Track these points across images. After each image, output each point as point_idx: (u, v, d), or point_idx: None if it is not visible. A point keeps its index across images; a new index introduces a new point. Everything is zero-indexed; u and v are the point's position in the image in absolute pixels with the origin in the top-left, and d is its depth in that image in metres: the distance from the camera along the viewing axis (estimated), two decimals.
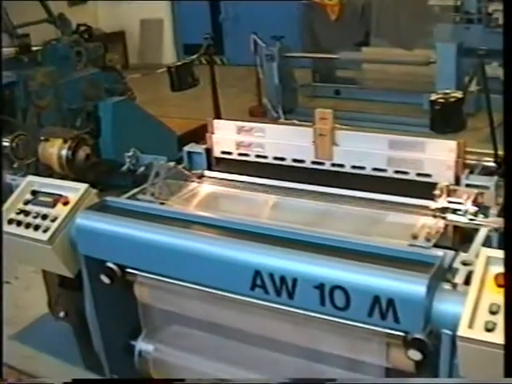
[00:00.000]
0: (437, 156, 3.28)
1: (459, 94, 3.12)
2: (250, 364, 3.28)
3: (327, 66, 11.40)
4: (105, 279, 3.27)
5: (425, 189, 3.21)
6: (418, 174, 3.34)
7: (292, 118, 8.91)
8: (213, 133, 3.86)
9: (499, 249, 2.88)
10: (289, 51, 10.24)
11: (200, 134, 3.91)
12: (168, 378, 3.32)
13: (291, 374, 3.16)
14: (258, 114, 10.27)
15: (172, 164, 3.68)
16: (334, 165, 3.53)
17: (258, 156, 3.72)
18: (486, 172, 3.37)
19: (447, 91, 3.18)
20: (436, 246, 2.88)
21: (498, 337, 2.31)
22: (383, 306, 2.52)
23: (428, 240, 2.86)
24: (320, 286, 2.61)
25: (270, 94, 10.19)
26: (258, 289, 2.76)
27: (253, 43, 10.18)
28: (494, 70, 10.01)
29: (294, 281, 2.67)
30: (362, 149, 3.45)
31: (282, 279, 2.69)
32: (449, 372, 2.63)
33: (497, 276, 2.43)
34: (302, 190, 3.54)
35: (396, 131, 5.45)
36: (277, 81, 9.98)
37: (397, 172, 3.39)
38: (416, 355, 2.58)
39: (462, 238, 3.07)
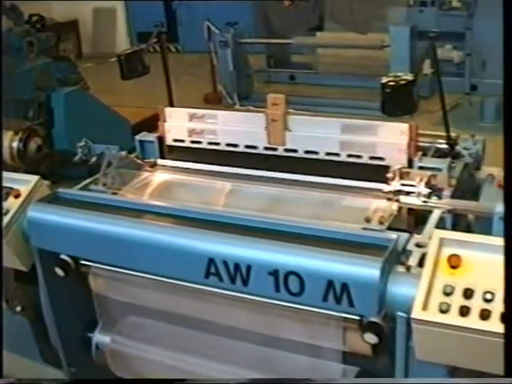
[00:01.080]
0: (389, 139, 3.28)
1: (410, 77, 3.11)
2: (208, 353, 3.27)
3: (282, 51, 11.41)
4: (59, 272, 3.23)
5: (378, 172, 3.22)
6: (371, 158, 3.34)
7: (247, 104, 8.91)
8: (165, 121, 3.83)
9: (453, 230, 2.90)
10: (243, 37, 10.23)
11: (154, 122, 3.87)
12: (169, 378, 3.28)
13: (250, 361, 3.16)
14: (213, 100, 10.25)
15: (124, 153, 3.64)
16: (286, 150, 3.51)
17: (210, 143, 3.70)
18: (440, 154, 3.39)
19: (398, 74, 3.18)
20: (391, 228, 2.89)
21: (452, 318, 2.32)
22: (337, 291, 2.52)
23: (381, 223, 2.87)
24: (274, 272, 2.60)
25: (225, 80, 10.17)
26: (213, 276, 2.75)
27: (206, 30, 10.14)
28: (448, 52, 10.12)
29: (248, 268, 2.66)
30: (315, 133, 3.44)
31: (236, 266, 2.68)
32: (405, 354, 2.64)
33: (450, 257, 2.44)
34: (256, 176, 3.52)
35: (352, 115, 5.47)
36: (231, 67, 9.96)
37: (350, 156, 3.38)
38: (372, 338, 2.59)
39: (416, 220, 3.08)
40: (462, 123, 8.13)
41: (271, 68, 11.44)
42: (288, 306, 2.70)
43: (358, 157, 3.36)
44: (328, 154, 3.42)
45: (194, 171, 3.67)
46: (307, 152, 3.47)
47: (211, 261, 2.73)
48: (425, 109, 8.14)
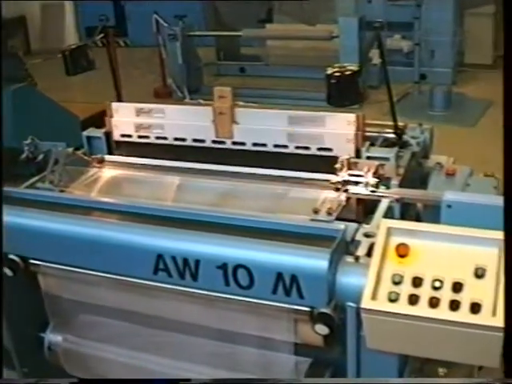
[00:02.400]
0: (336, 130, 3.29)
1: (355, 67, 3.13)
2: (162, 349, 3.25)
3: (231, 43, 11.39)
4: (7, 272, 3.18)
5: (326, 163, 3.21)
6: (319, 149, 3.34)
7: (197, 97, 8.90)
8: (111, 116, 3.78)
9: (402, 219, 2.92)
10: (192, 30, 10.20)
11: (104, 117, 3.83)
12: (170, 378, 3.25)
13: (205, 356, 3.15)
14: (163, 94, 10.21)
15: (70, 150, 3.60)
16: (234, 143, 3.50)
17: (158, 138, 3.66)
18: (388, 144, 3.40)
19: (344, 65, 3.19)
20: (339, 219, 2.89)
21: (402, 307, 2.34)
22: (287, 283, 2.53)
23: (329, 214, 2.87)
24: (223, 266, 2.60)
25: (175, 74, 10.13)
26: (161, 272, 2.74)
27: (155, 23, 10.09)
28: (397, 42, 10.20)
29: (197, 262, 2.65)
30: (263, 126, 3.44)
31: (185, 261, 2.67)
32: (356, 344, 2.65)
33: (398, 246, 2.45)
34: (205, 170, 3.51)
35: (301, 106, 5.48)
36: (180, 60, 9.93)
37: (298, 147, 3.38)
38: (323, 329, 2.59)
39: (365, 210, 3.09)
40: (411, 112, 8.23)
41: (221, 61, 11.43)
42: (238, 300, 2.69)
43: (306, 148, 3.36)
44: (276, 146, 3.42)
45: (142, 166, 3.63)
46: (255, 144, 3.46)
47: (159, 257, 2.71)
48: (374, 98, 8.23)
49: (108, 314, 3.32)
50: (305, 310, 2.61)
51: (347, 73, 3.10)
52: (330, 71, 3.12)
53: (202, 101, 4.58)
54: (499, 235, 2.40)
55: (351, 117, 3.24)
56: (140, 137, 3.71)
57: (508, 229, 2.26)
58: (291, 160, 3.38)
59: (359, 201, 3.08)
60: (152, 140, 3.68)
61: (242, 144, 3.49)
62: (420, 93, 9.61)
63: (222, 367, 3.13)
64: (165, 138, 3.65)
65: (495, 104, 8.92)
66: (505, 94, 2.44)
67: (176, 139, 3.63)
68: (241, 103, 3.51)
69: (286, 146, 3.40)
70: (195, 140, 3.58)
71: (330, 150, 3.31)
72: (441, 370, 2.88)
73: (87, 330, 3.46)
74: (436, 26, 9.77)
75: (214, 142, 3.54)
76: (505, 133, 2.43)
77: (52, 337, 3.56)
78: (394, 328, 2.39)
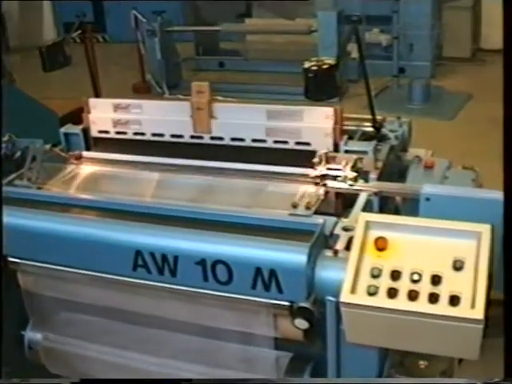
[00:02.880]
0: (314, 124, 3.28)
1: (332, 61, 3.12)
2: (144, 346, 3.24)
3: (210, 38, 11.37)
4: None
5: (305, 157, 3.21)
6: (297, 143, 3.34)
7: (176, 92, 8.86)
8: (89, 112, 3.76)
9: (380, 213, 2.92)
10: (170, 25, 10.16)
11: (82, 114, 3.81)
12: (171, 379, 3.22)
13: (186, 352, 3.14)
14: (142, 90, 10.17)
15: (48, 147, 3.58)
16: (213, 138, 3.49)
17: (135, 133, 3.65)
18: (366, 137, 3.40)
19: (321, 58, 3.18)
20: (318, 213, 2.89)
21: (381, 300, 2.34)
22: (266, 278, 2.53)
23: (308, 208, 2.86)
24: (201, 262, 2.60)
25: (153, 69, 10.10)
26: (141, 269, 2.73)
27: (133, 19, 10.05)
28: (376, 35, 10.21)
29: (176, 258, 2.65)
30: (241, 120, 3.43)
31: (164, 257, 2.66)
32: (336, 338, 2.66)
33: (376, 240, 2.46)
34: (183, 165, 3.49)
35: (281, 101, 5.47)
36: (159, 56, 9.90)
37: (276, 142, 3.37)
38: (303, 324, 2.59)
39: (344, 204, 3.09)
40: (390, 105, 8.24)
41: (200, 56, 11.39)
42: (218, 295, 2.68)
43: (284, 142, 3.36)
44: (254, 140, 3.41)
45: (120, 162, 3.61)
46: (233, 139, 3.45)
47: (138, 253, 2.70)
48: (353, 92, 8.25)
49: (88, 312, 3.30)
50: (284, 305, 2.60)
51: (324, 67, 3.10)
52: (307, 65, 3.12)
53: (181, 96, 4.55)
54: (477, 227, 2.42)
55: (329, 111, 3.24)
56: (118, 133, 3.69)
57: (508, 228, 2.27)
58: (269, 154, 3.37)
59: (338, 195, 3.08)
60: (130, 136, 3.66)
61: (221, 139, 3.48)
62: (399, 86, 9.62)
63: (203, 363, 3.12)
64: (143, 134, 3.63)
65: (474, 97, 8.95)
66: (505, 94, 2.45)
67: (154, 135, 3.61)
68: (220, 98, 3.50)
69: (264, 141, 3.39)
70: (173, 135, 3.57)
71: (308, 144, 3.30)
72: (421, 363, 2.90)
73: (68, 328, 3.44)
74: (414, 20, 9.78)
75: (192, 137, 3.53)
76: (504, 133, 2.44)
77: (32, 335, 3.54)
78: (373, 321, 2.39)
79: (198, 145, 3.52)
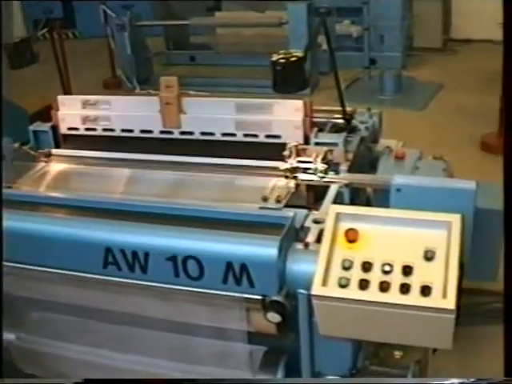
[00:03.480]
0: (284, 117, 3.28)
1: (300, 53, 3.12)
2: (118, 344, 3.22)
3: (180, 32, 11.30)
4: None
5: (275, 150, 3.20)
6: (267, 136, 3.33)
7: (147, 87, 8.81)
8: (58, 109, 3.74)
9: (352, 204, 2.92)
10: (140, 20, 10.08)
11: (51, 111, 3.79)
12: (172, 379, 3.20)
13: (161, 348, 3.13)
14: (113, 85, 10.10)
15: (17, 145, 3.55)
16: (182, 133, 3.48)
17: (105, 129, 3.63)
18: (336, 129, 3.40)
19: (290, 51, 3.18)
20: (290, 206, 2.88)
21: (352, 292, 2.34)
22: (237, 272, 2.52)
23: (278, 201, 2.86)
24: (172, 258, 2.59)
25: (124, 64, 10.02)
26: (111, 266, 2.72)
27: (103, 14, 9.98)
28: (347, 27, 10.20)
29: (146, 255, 2.63)
30: (210, 115, 3.42)
31: (134, 254, 2.65)
32: (309, 331, 2.66)
33: (347, 232, 2.45)
34: (154, 161, 3.48)
35: (252, 94, 5.46)
36: (129, 51, 9.81)
37: (246, 135, 3.38)
38: (275, 317, 2.59)
39: (316, 196, 3.09)
40: (361, 97, 8.24)
41: (170, 50, 11.33)
42: (189, 291, 2.67)
43: (254, 136, 3.36)
44: (224, 134, 3.41)
45: (89, 159, 3.59)
46: (203, 134, 3.45)
47: (108, 250, 2.69)
48: (324, 84, 8.24)
49: (61, 311, 3.28)
50: (256, 299, 2.60)
51: (292, 59, 3.09)
52: (275, 58, 3.11)
53: (151, 91, 4.53)
54: (447, 217, 2.42)
55: (299, 103, 3.24)
56: (87, 129, 3.68)
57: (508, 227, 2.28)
58: (240, 148, 3.37)
59: (309, 187, 3.08)
60: (99, 132, 3.65)
61: (190, 133, 3.47)
62: (370, 78, 9.61)
63: (178, 359, 3.11)
64: (112, 130, 3.62)
65: (445, 87, 8.98)
66: (505, 96, 2.45)
67: (123, 131, 3.60)
68: (191, 92, 3.49)
69: (234, 135, 3.39)
70: (143, 131, 3.56)
71: (278, 137, 3.30)
72: (397, 353, 2.91)
73: (40, 328, 3.42)
74: (385, 11, 9.78)
75: (161, 132, 3.52)
76: (505, 134, 2.44)
77: (4, 335, 3.50)
78: (345, 313, 2.39)
79: (168, 140, 3.51)
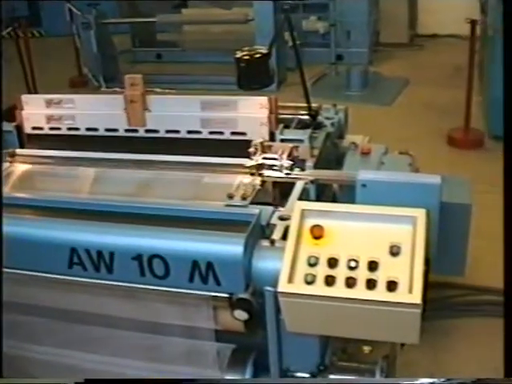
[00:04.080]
0: (250, 114, 3.28)
1: (264, 50, 3.12)
2: (87, 344, 3.19)
3: (146, 30, 11.26)
4: None
5: (242, 147, 3.19)
6: (233, 133, 3.33)
7: (114, 85, 8.73)
8: (22, 109, 3.71)
9: (318, 201, 2.92)
10: (106, 18, 10.03)
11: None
12: (173, 378, 3.17)
13: (129, 348, 3.11)
14: (79, 84, 10.04)
15: None
16: (147, 131, 3.47)
17: (69, 129, 3.61)
18: (302, 125, 3.41)
19: (254, 47, 3.18)
20: (257, 203, 2.88)
21: (318, 288, 2.34)
22: (203, 271, 2.51)
23: (244, 199, 2.86)
24: (138, 257, 2.57)
25: (90, 62, 9.96)
26: (76, 266, 2.69)
27: (68, 12, 9.92)
28: (313, 23, 10.22)
29: (111, 254, 2.61)
30: (175, 112, 3.41)
31: (99, 254, 2.62)
32: (276, 328, 2.66)
33: (312, 228, 2.45)
34: (118, 159, 3.45)
35: (219, 91, 5.44)
36: (95, 49, 9.76)
37: (211, 133, 3.37)
38: (242, 315, 2.59)
39: (282, 193, 3.08)
40: (328, 93, 8.27)
41: (136, 48, 11.29)
42: (156, 290, 2.66)
43: (220, 133, 3.35)
44: (189, 132, 3.41)
45: (54, 159, 3.56)
46: (168, 131, 3.44)
47: (73, 250, 2.66)
48: (292, 81, 8.23)
49: (27, 312, 3.24)
50: (223, 297, 2.59)
51: (256, 56, 3.09)
52: (239, 55, 3.11)
53: (118, 89, 4.49)
54: (412, 212, 2.43)
55: (264, 100, 3.24)
56: (51, 128, 3.66)
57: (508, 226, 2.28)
58: (205, 146, 3.37)
59: (275, 184, 3.08)
60: (64, 131, 3.62)
61: (155, 132, 3.45)
62: (337, 73, 9.64)
63: (147, 359, 3.09)
64: (76, 129, 3.60)
65: (411, 82, 9.02)
66: (505, 96, 2.46)
67: (88, 129, 3.58)
68: (157, 90, 3.47)
69: (199, 132, 3.39)
70: (107, 129, 3.54)
71: (243, 134, 3.30)
72: (365, 348, 2.92)
73: (6, 329, 3.38)
74: (351, 7, 9.81)
75: (126, 130, 3.51)
76: (505, 138, 2.45)
77: None
78: (312, 310, 2.39)
79: (133, 138, 3.50)
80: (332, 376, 2.90)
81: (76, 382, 2.98)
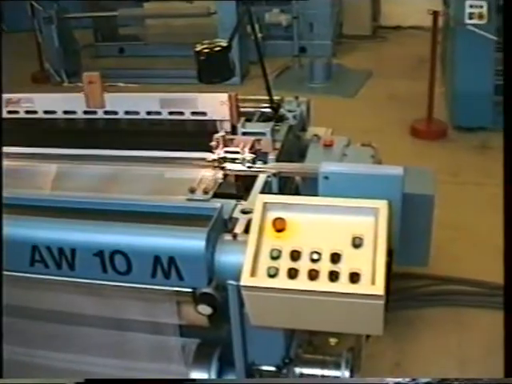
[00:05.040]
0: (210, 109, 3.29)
1: (224, 43, 3.10)
2: (51, 342, 3.17)
3: (108, 24, 11.17)
4: None
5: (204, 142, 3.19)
6: (194, 113, 3.33)
7: (76, 80, 8.67)
8: None
9: (281, 193, 2.92)
10: (67, 12, 9.95)
11: None
12: (173, 378, 3.14)
13: (94, 345, 3.09)
14: (41, 79, 9.94)
15: None
16: (107, 112, 3.45)
17: (28, 112, 3.59)
18: (265, 118, 3.41)
19: (214, 41, 3.16)
20: (220, 197, 2.87)
21: (281, 281, 2.33)
22: (165, 266, 2.50)
23: (206, 193, 2.84)
24: (99, 254, 2.55)
25: (52, 58, 9.87)
26: (38, 264, 2.66)
27: (30, 7, 9.83)
28: (276, 16, 10.21)
29: (73, 251, 2.59)
30: (133, 108, 3.41)
31: (61, 251, 2.60)
32: (240, 322, 2.66)
33: (274, 221, 2.45)
34: (79, 155, 3.42)
35: (182, 84, 5.43)
36: (57, 44, 9.68)
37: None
38: (206, 310, 2.59)
39: (245, 186, 3.07)
40: (292, 85, 8.29)
41: (99, 42, 11.20)
42: (119, 286, 2.65)
43: (181, 115, 3.36)
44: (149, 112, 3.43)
45: (12, 155, 3.51)
46: (128, 113, 3.44)
47: (34, 248, 2.64)
48: (255, 74, 8.22)
49: None
50: (186, 292, 2.59)
51: (216, 49, 3.08)
52: (198, 48, 3.09)
53: (80, 84, 4.44)
54: (374, 204, 2.44)
55: (224, 96, 3.24)
56: (9, 112, 3.59)
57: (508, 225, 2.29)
58: (167, 142, 3.35)
59: (237, 177, 3.08)
60: (22, 115, 3.59)
61: (115, 113, 3.45)
62: (300, 66, 9.64)
63: (112, 356, 3.08)
64: (35, 112, 3.57)
65: (374, 74, 9.05)
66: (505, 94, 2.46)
67: (46, 112, 3.56)
68: (120, 84, 3.44)
69: (159, 113, 3.41)
70: (66, 112, 3.53)
71: (203, 113, 3.30)
72: (332, 340, 2.93)
73: None
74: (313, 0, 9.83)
75: (85, 112, 3.49)
76: (505, 135, 2.46)
77: None
78: (275, 303, 2.39)
79: (93, 137, 3.47)
80: (297, 369, 2.91)
81: (76, 382, 2.97)
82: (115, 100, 3.44)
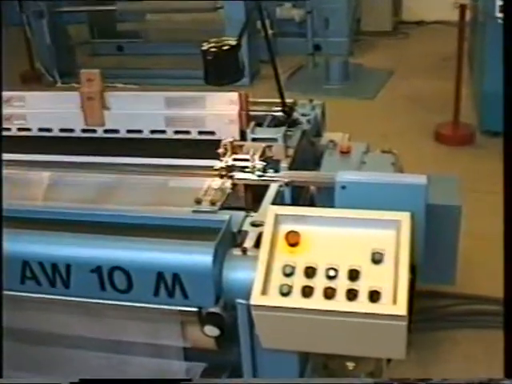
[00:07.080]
0: (218, 111, 3.29)
1: (233, 41, 3.11)
2: (45, 367, 3.18)
3: (106, 19, 11.17)
4: None
5: (210, 148, 3.20)
6: (200, 133, 3.33)
7: (70, 80, 8.69)
8: None
9: (294, 204, 2.93)
10: (60, 5, 9.95)
11: None
12: (173, 378, 3.16)
13: (91, 369, 3.10)
14: (32, 79, 9.93)
15: None
16: (107, 131, 3.46)
17: (20, 129, 3.59)
18: (276, 123, 3.42)
19: (222, 39, 3.17)
20: (227, 208, 2.88)
21: (295, 300, 2.35)
22: (169, 283, 2.51)
23: (213, 204, 2.85)
24: (97, 270, 2.56)
25: (43, 55, 9.87)
26: (29, 281, 2.67)
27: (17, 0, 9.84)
28: (288, 10, 10.22)
29: (68, 267, 2.60)
30: (137, 110, 3.41)
31: (54, 267, 2.61)
32: (250, 344, 2.66)
33: (287, 235, 2.46)
34: (76, 163, 3.44)
35: (186, 86, 5.44)
36: (48, 40, 9.67)
37: (177, 132, 3.37)
38: (213, 331, 2.59)
39: (255, 197, 3.09)
40: (306, 86, 8.30)
41: (95, 39, 11.22)
42: (118, 305, 2.66)
43: (186, 133, 3.35)
44: (153, 131, 3.40)
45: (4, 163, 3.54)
46: (130, 131, 3.44)
47: (25, 263, 2.64)
48: (266, 74, 8.24)
49: None
50: (192, 311, 2.60)
51: (225, 48, 3.09)
52: (205, 47, 3.10)
53: (75, 84, 4.46)
54: (396, 216, 2.45)
55: (234, 95, 3.25)
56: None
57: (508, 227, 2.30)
58: (170, 146, 3.37)
59: (246, 187, 3.09)
60: (14, 132, 3.60)
61: (115, 131, 3.45)
62: (315, 65, 9.65)
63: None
64: (28, 130, 3.58)
65: (395, 73, 9.05)
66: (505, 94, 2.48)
67: (41, 130, 3.56)
68: (119, 85, 3.46)
69: (163, 132, 3.39)
70: (62, 130, 3.53)
71: (212, 133, 3.31)
72: (349, 364, 2.92)
73: None
74: None
75: (83, 130, 3.49)
76: (505, 134, 2.47)
77: None
78: (288, 324, 2.40)
79: (91, 139, 3.49)
80: None
81: (71, 382, 2.99)
82: (116, 117, 3.46)
